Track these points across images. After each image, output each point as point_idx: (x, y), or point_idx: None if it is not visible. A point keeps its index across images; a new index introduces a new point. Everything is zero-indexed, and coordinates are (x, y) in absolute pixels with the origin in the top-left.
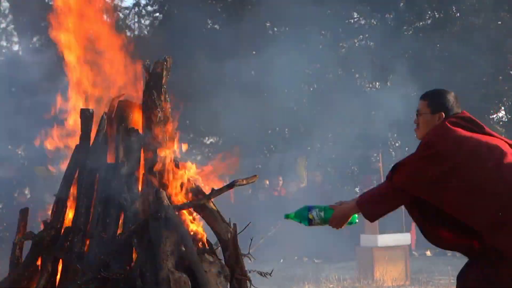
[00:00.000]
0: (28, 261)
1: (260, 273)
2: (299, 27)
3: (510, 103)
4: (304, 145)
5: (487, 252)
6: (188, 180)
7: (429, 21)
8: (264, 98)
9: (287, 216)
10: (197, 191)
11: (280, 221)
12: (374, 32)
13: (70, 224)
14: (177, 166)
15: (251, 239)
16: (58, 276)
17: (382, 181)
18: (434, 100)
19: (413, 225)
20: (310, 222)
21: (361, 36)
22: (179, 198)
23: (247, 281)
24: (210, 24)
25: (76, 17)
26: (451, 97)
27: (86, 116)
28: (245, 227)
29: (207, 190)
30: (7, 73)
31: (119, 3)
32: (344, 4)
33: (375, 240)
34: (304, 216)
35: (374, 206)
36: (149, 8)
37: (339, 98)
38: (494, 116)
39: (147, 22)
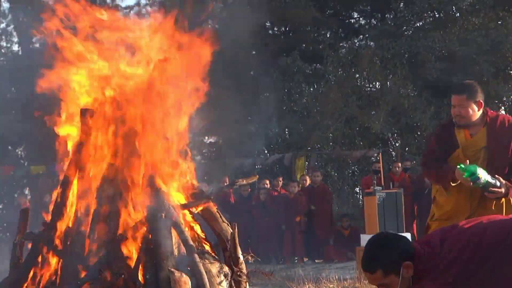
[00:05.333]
0: (29, 261)
1: (261, 273)
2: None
3: (510, 103)
4: (304, 145)
5: None
6: (189, 180)
7: (429, 21)
8: (265, 98)
9: (460, 166)
10: (197, 191)
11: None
12: (374, 32)
13: (70, 224)
14: (177, 165)
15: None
16: (58, 276)
17: (382, 181)
18: None
19: (414, 225)
20: (476, 179)
21: (361, 36)
22: (180, 198)
23: (247, 281)
24: (211, 24)
25: None
26: None
27: (86, 116)
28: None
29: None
30: (7, 73)
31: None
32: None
33: None
34: (474, 170)
35: None
36: (148, 8)
37: (338, 98)
38: None
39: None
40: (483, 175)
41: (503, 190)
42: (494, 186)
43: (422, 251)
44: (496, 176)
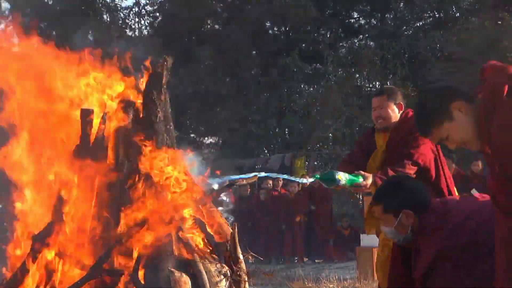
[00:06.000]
0: (28, 261)
1: (261, 273)
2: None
3: None
4: (304, 145)
5: None
6: (189, 180)
7: (429, 21)
8: (265, 98)
9: (316, 177)
10: (197, 191)
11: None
12: (374, 32)
13: (70, 224)
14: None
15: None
16: (58, 276)
17: None
18: None
19: None
20: (337, 182)
21: (361, 36)
22: (180, 198)
23: (247, 281)
24: (210, 24)
25: None
26: None
27: (86, 116)
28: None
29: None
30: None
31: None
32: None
33: (376, 240)
34: (331, 177)
35: None
36: (148, 8)
37: (338, 98)
38: None
39: (147, 22)
40: (343, 177)
41: (368, 182)
42: (357, 181)
43: (437, 206)
44: (357, 172)
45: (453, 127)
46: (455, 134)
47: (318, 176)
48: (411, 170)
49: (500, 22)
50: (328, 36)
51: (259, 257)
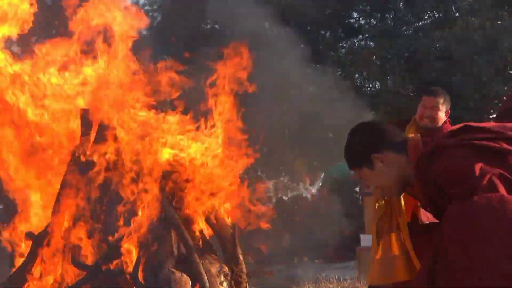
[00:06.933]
0: (28, 261)
1: (261, 273)
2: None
3: None
4: (304, 145)
5: None
6: (190, 179)
7: (428, 21)
8: (265, 97)
9: None
10: (199, 191)
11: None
12: (374, 32)
13: (70, 224)
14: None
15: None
16: (58, 276)
17: None
18: None
19: None
20: None
21: (360, 36)
22: (180, 198)
23: (247, 281)
24: (210, 23)
25: None
26: None
27: (86, 116)
28: (245, 227)
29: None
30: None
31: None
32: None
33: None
34: None
35: None
36: (147, 7)
37: (338, 98)
38: (494, 116)
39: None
40: None
41: None
42: None
43: None
44: None
45: (372, 174)
46: (372, 180)
47: None
48: None
49: (500, 22)
50: (328, 36)
51: (259, 257)
